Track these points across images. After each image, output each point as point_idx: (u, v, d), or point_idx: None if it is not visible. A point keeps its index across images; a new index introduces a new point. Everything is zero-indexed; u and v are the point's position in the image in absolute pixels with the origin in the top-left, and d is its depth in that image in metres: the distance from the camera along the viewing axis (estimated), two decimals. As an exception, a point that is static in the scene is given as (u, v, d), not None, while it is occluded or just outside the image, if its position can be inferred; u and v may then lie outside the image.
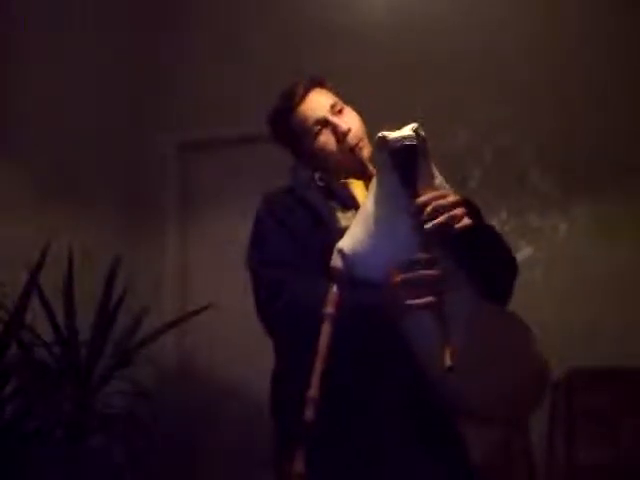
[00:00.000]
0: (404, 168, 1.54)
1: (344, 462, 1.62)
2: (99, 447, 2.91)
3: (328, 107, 1.81)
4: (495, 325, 1.69)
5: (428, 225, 1.49)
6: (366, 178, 1.75)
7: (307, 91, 1.83)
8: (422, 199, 1.50)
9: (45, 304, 2.95)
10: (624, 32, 3.31)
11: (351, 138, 1.77)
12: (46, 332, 2.96)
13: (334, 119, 1.79)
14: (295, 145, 1.87)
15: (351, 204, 1.75)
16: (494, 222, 3.27)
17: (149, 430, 3.00)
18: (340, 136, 1.77)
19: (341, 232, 1.66)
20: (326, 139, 1.80)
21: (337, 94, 1.86)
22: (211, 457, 3.61)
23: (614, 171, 3.27)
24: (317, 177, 1.83)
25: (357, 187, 1.79)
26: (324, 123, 1.79)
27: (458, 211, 1.51)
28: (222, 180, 3.86)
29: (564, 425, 3.00)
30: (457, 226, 1.50)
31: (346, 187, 1.79)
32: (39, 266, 2.88)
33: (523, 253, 3.27)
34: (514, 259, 1.76)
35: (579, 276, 3.25)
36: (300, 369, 1.56)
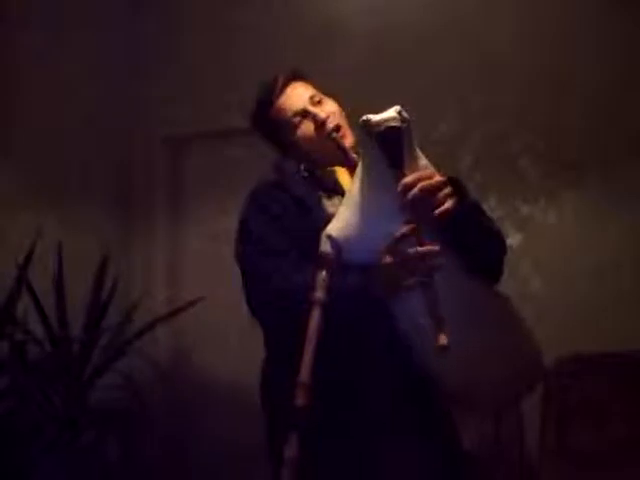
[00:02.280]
0: (389, 150, 1.55)
1: (336, 447, 1.63)
2: (92, 443, 2.91)
3: (307, 98, 1.82)
4: (491, 313, 1.70)
5: (414, 208, 1.50)
6: (349, 166, 1.76)
7: (286, 83, 1.85)
8: (407, 180, 1.52)
9: (35, 300, 2.93)
10: (615, 21, 3.30)
11: (330, 125, 1.78)
12: (37, 329, 2.96)
13: (313, 109, 1.81)
14: (277, 137, 1.89)
15: (337, 191, 1.77)
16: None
17: (142, 424, 3.00)
18: (319, 124, 1.79)
19: (328, 218, 1.67)
20: (306, 129, 1.81)
21: (315, 87, 1.88)
22: (204, 450, 3.61)
23: (602, 158, 3.28)
24: (302, 168, 1.84)
25: (342, 174, 1.81)
26: (303, 114, 1.81)
27: (443, 192, 1.53)
28: (211, 173, 3.85)
29: (555, 411, 3.02)
30: (442, 209, 1.52)
31: (331, 175, 1.81)
32: (27, 262, 2.87)
33: (512, 240, 3.28)
34: (501, 234, 1.77)
35: (568, 263, 3.26)
36: (291, 355, 1.56)
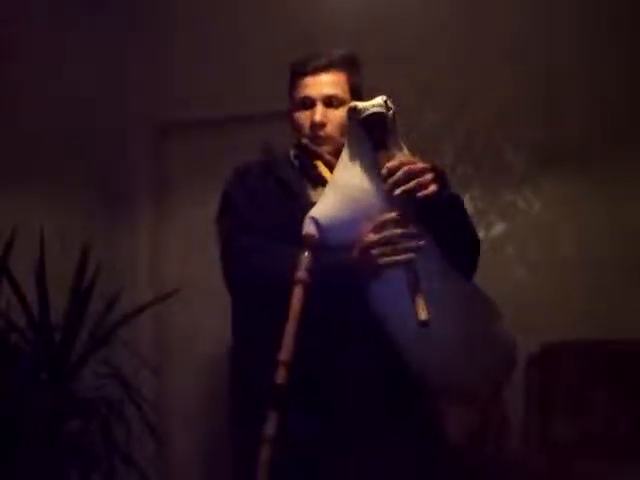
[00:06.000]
0: (374, 134, 1.62)
1: (311, 426, 1.64)
2: (76, 432, 2.89)
3: (324, 94, 1.82)
4: (470, 307, 1.72)
5: (398, 189, 1.54)
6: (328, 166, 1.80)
7: (324, 68, 1.84)
8: (392, 163, 1.56)
9: (16, 289, 2.90)
10: (597, 19, 3.33)
11: (323, 132, 1.80)
12: (19, 317, 2.93)
13: (319, 107, 1.81)
14: (290, 99, 1.91)
15: (321, 183, 1.79)
16: (467, 199, 3.29)
17: (126, 413, 2.98)
18: (312, 124, 1.81)
19: (312, 206, 1.69)
20: (302, 117, 1.84)
21: (352, 84, 1.86)
22: (187, 439, 3.61)
23: (584, 148, 3.30)
24: (292, 155, 1.86)
25: (325, 171, 1.82)
26: (310, 104, 1.82)
27: (427, 177, 1.56)
28: (195, 161, 3.84)
29: (539, 400, 3.04)
30: (426, 191, 1.55)
31: (317, 168, 1.82)
32: (8, 249, 2.84)
33: (496, 229, 3.30)
34: (476, 234, 1.80)
35: (552, 251, 3.28)
36: (268, 333, 1.58)
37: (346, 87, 1.85)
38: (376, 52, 3.50)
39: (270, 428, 1.50)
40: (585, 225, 3.24)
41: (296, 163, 1.86)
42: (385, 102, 1.63)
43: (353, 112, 1.65)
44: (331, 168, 1.77)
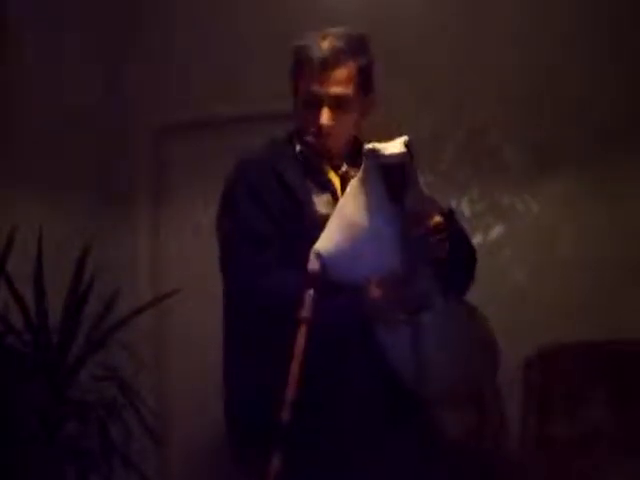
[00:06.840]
0: (393, 183, 1.56)
1: (314, 464, 1.64)
2: (74, 434, 2.89)
3: (332, 94, 1.73)
4: (464, 323, 1.76)
5: (418, 249, 1.56)
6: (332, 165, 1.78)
7: (333, 65, 1.73)
8: (409, 219, 1.56)
9: (14, 290, 2.90)
10: (593, 21, 3.32)
11: (327, 138, 1.75)
12: (16, 319, 2.92)
13: (325, 110, 1.74)
14: (293, 85, 1.82)
15: (327, 187, 1.76)
16: (466, 201, 3.28)
17: (125, 415, 2.98)
18: (318, 127, 1.74)
19: (317, 217, 1.68)
20: (307, 115, 1.77)
21: (361, 68, 1.77)
22: (186, 441, 3.60)
23: (582, 150, 3.29)
24: (298, 151, 1.81)
25: (330, 171, 1.80)
26: (317, 103, 1.74)
27: (439, 236, 1.58)
28: (195, 162, 3.83)
29: (537, 400, 3.03)
30: (437, 253, 1.59)
31: (322, 170, 1.79)
32: (6, 250, 2.84)
33: (494, 232, 3.29)
34: (475, 259, 1.83)
35: (551, 253, 3.27)
36: (269, 368, 1.59)
37: (355, 77, 1.75)
38: (376, 52, 3.50)
39: (275, 464, 1.48)
40: (585, 225, 3.24)
41: (300, 158, 1.80)
42: (406, 145, 1.54)
43: (373, 155, 1.56)
44: (336, 169, 1.75)
